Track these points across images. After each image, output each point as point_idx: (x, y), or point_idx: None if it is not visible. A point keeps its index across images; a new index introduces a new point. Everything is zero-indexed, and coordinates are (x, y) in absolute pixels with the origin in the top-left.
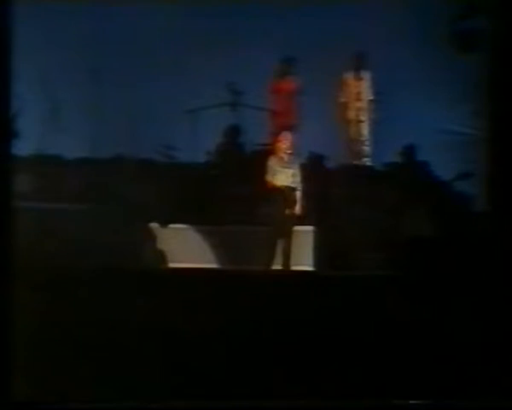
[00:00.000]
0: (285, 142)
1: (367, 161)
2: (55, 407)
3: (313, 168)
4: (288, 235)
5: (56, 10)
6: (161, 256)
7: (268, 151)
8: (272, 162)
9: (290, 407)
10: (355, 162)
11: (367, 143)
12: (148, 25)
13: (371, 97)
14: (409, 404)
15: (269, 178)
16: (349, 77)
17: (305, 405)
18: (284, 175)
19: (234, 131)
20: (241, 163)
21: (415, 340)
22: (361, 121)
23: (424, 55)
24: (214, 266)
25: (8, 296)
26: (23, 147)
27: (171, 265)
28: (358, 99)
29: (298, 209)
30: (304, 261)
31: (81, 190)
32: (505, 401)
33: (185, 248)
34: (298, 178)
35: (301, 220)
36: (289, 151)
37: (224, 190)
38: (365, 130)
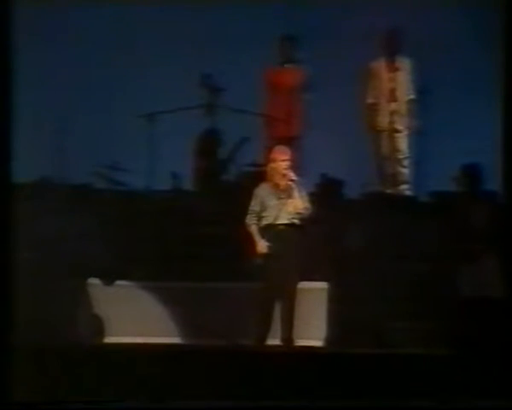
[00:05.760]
0: (283, 160)
1: (406, 189)
2: (55, 408)
3: (326, 198)
4: (288, 295)
5: None
6: (102, 327)
7: (259, 174)
8: (263, 191)
9: (290, 407)
10: (388, 190)
11: (406, 162)
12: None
13: (412, 96)
14: (409, 404)
15: (258, 212)
16: (379, 66)
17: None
18: (281, 209)
19: (209, 145)
20: (221, 191)
21: None
22: (397, 131)
23: (486, 40)
24: (180, 340)
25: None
26: None
27: (117, 339)
28: (393, 99)
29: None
30: (312, 333)
31: None
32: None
33: (140, 314)
34: (302, 213)
35: (308, 274)
36: (289, 174)
37: (196, 229)
38: (403, 144)
